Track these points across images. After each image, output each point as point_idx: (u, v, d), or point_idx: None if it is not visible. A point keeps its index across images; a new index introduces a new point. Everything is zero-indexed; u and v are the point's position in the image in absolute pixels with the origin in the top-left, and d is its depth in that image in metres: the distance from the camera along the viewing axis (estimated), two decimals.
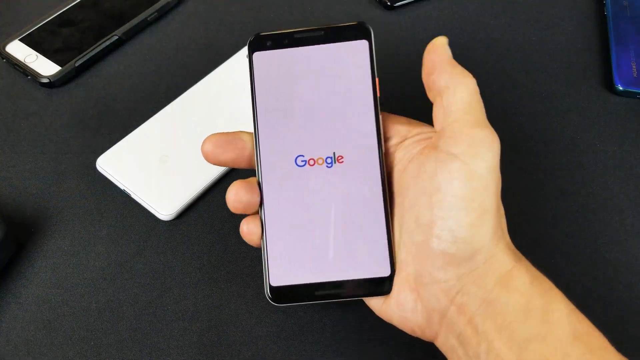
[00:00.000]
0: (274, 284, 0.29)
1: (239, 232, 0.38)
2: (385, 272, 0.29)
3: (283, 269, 0.29)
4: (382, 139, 0.30)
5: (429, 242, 0.27)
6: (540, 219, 0.39)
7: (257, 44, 0.31)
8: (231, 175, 0.41)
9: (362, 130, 0.30)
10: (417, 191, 0.28)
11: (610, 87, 0.46)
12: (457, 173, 0.27)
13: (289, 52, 0.31)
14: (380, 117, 0.30)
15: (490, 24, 0.52)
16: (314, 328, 0.34)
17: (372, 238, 0.29)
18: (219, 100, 0.45)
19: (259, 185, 0.30)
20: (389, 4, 0.52)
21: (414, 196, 0.28)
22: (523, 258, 0.28)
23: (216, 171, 0.41)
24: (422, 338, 0.29)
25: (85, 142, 0.43)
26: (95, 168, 0.41)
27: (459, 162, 0.27)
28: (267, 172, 0.30)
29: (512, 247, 0.28)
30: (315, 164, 0.30)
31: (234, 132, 0.31)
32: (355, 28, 0.31)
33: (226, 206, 0.40)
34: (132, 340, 0.34)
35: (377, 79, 0.31)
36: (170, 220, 0.39)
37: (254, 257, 0.37)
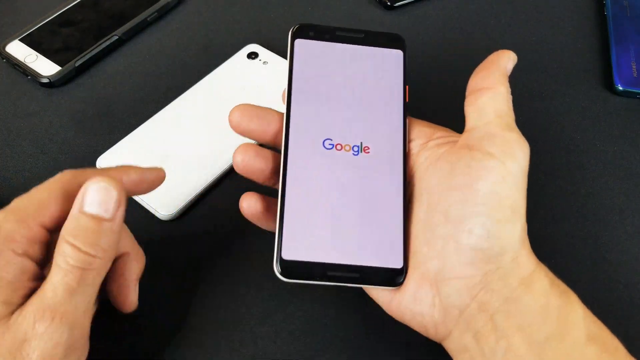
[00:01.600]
0: (286, 257, 0.29)
1: (239, 233, 0.39)
2: (398, 264, 0.29)
3: (296, 244, 0.29)
4: (407, 139, 0.31)
5: (458, 236, 0.27)
6: (540, 219, 0.39)
7: (300, 32, 0.32)
8: (231, 175, 0.41)
9: (390, 128, 0.31)
10: (447, 187, 0.28)
11: (610, 87, 0.46)
12: (493, 171, 0.27)
13: (329, 46, 0.32)
14: (407, 119, 0.32)
15: (490, 24, 0.52)
16: (314, 328, 0.34)
17: (388, 229, 0.30)
18: (219, 100, 0.45)
19: (284, 160, 0.30)
20: (389, 4, 0.52)
21: (443, 192, 0.28)
22: (540, 262, 0.28)
23: (216, 171, 0.41)
24: (432, 337, 0.29)
25: (85, 142, 0.43)
26: (95, 168, 0.41)
27: (496, 160, 0.27)
28: (294, 148, 0.30)
29: (532, 251, 0.29)
30: (342, 149, 0.31)
31: (264, 106, 0.32)
32: (393, 37, 0.33)
33: (226, 206, 0.40)
34: (132, 340, 0.34)
35: (407, 87, 0.32)
36: (170, 220, 0.39)
37: (254, 257, 0.37)
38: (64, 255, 0.26)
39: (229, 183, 0.41)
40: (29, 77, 0.47)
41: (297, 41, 0.32)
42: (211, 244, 0.38)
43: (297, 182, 0.30)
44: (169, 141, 0.42)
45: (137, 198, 0.39)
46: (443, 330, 0.28)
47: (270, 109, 0.32)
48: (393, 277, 0.29)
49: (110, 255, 0.28)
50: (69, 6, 0.51)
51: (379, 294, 0.30)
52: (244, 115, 0.31)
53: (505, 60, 0.31)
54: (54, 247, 0.27)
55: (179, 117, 0.44)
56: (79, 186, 0.28)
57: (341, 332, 0.34)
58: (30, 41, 0.48)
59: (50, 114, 0.45)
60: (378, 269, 0.29)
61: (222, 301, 0.36)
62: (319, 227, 0.29)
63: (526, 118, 0.45)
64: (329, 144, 0.31)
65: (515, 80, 0.47)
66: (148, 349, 0.34)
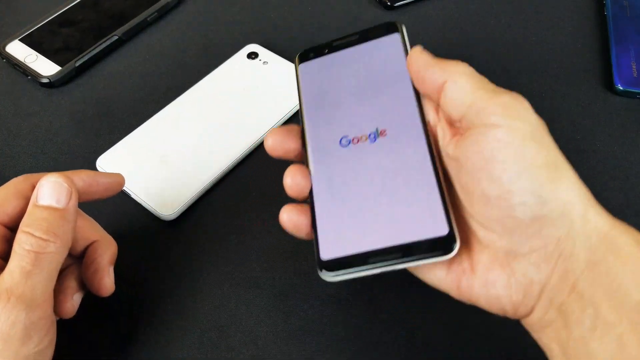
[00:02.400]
0: (325, 257, 0.28)
1: (239, 232, 0.39)
2: (443, 231, 0.27)
3: (332, 243, 0.29)
4: (424, 112, 0.30)
5: (513, 212, 0.25)
6: None
7: (302, 58, 0.34)
8: (232, 175, 0.41)
9: (404, 106, 0.31)
10: (469, 172, 0.27)
11: (610, 87, 0.46)
12: (507, 138, 0.25)
13: (330, 57, 0.34)
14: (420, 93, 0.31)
15: (490, 24, 0.52)
16: (314, 328, 0.34)
17: (424, 200, 0.28)
18: (219, 100, 0.45)
19: (307, 168, 0.31)
20: (389, 4, 0.52)
21: (468, 179, 0.27)
22: (618, 219, 0.26)
23: (216, 171, 0.41)
24: (511, 317, 0.28)
25: (85, 142, 0.43)
26: (95, 168, 0.41)
27: (502, 128, 0.26)
28: (314, 155, 0.31)
29: (602, 208, 0.26)
30: (359, 141, 0.31)
31: (287, 127, 0.32)
32: (386, 26, 0.33)
33: (226, 206, 0.40)
34: (132, 339, 0.34)
35: None
36: (170, 220, 0.39)
37: (254, 257, 0.37)
38: (20, 242, 0.28)
39: (229, 183, 0.41)
40: (29, 77, 0.47)
41: (301, 66, 0.34)
42: (211, 244, 0.38)
43: (323, 186, 0.30)
44: (169, 141, 0.42)
45: (137, 198, 0.39)
46: (524, 309, 0.27)
47: (293, 126, 0.33)
48: (442, 246, 0.27)
49: (65, 241, 0.29)
50: (69, 6, 0.51)
51: (442, 280, 0.28)
52: (274, 141, 0.32)
53: (425, 55, 0.29)
54: None
55: (179, 117, 0.44)
56: (33, 187, 0.30)
57: (341, 332, 0.34)
58: (30, 41, 0.48)
59: (50, 114, 0.45)
60: (422, 242, 0.27)
61: (221, 301, 0.36)
62: (353, 220, 0.29)
63: None
64: (346, 141, 0.31)
65: (516, 80, 0.47)
66: (148, 349, 0.34)
